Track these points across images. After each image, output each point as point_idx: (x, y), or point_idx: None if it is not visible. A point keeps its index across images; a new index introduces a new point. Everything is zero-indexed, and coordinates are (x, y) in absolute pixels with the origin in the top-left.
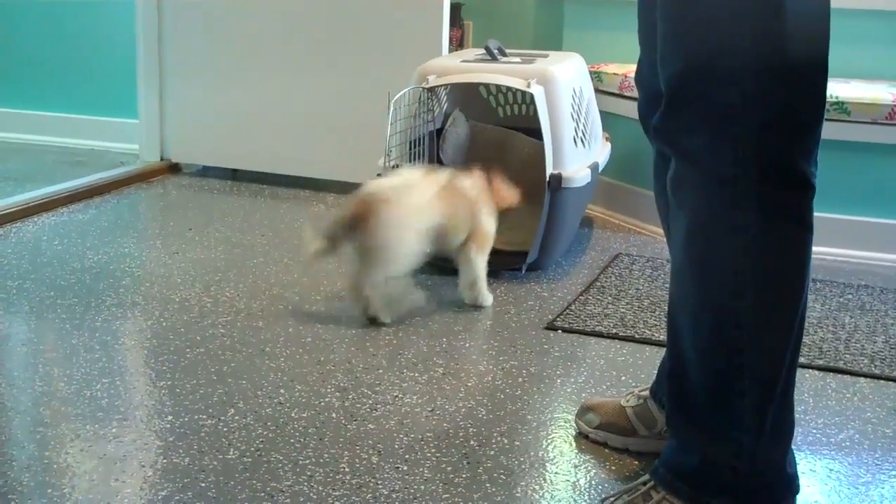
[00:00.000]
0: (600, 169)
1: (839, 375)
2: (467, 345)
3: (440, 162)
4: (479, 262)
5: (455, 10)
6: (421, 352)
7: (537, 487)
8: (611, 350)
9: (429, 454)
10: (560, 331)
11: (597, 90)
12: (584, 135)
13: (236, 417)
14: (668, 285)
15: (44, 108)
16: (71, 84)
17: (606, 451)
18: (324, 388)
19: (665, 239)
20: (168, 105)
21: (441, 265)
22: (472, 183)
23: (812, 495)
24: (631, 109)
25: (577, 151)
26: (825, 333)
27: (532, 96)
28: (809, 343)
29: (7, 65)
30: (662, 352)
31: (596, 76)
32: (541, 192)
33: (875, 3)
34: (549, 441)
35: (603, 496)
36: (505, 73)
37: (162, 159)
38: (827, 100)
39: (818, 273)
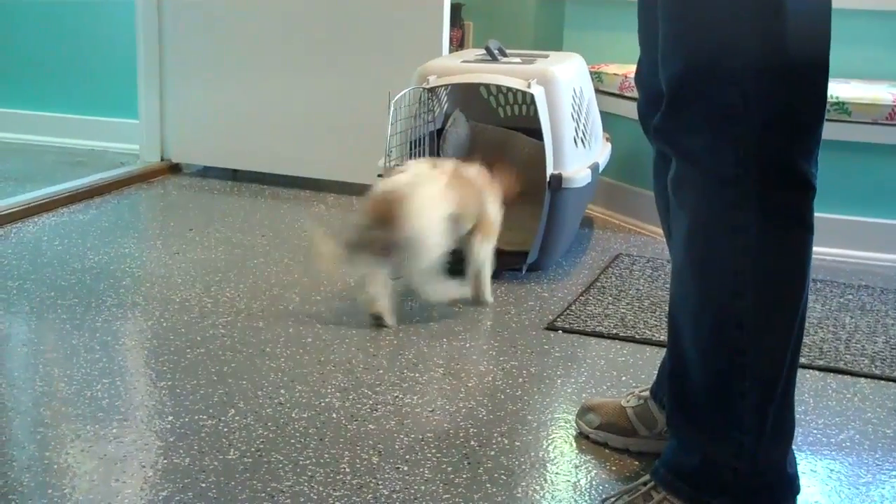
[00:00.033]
0: (601, 169)
1: (840, 376)
2: (468, 345)
3: None
4: (485, 250)
5: (455, 10)
6: (421, 352)
7: (538, 488)
8: (611, 350)
9: (429, 454)
10: (560, 331)
11: (597, 90)
12: (584, 135)
13: (237, 418)
14: (668, 286)
15: (44, 108)
16: (71, 84)
17: (607, 451)
18: (324, 388)
19: (665, 239)
20: (168, 105)
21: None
22: (476, 171)
23: (812, 496)
24: (631, 110)
25: (578, 152)
26: (826, 334)
27: (532, 97)
28: (810, 343)
29: (7, 65)
30: (663, 352)
31: (596, 76)
32: (541, 192)
33: (875, 4)
34: (549, 441)
35: (603, 496)
36: (505, 74)
37: (162, 159)
38: (828, 100)
39: (818, 273)
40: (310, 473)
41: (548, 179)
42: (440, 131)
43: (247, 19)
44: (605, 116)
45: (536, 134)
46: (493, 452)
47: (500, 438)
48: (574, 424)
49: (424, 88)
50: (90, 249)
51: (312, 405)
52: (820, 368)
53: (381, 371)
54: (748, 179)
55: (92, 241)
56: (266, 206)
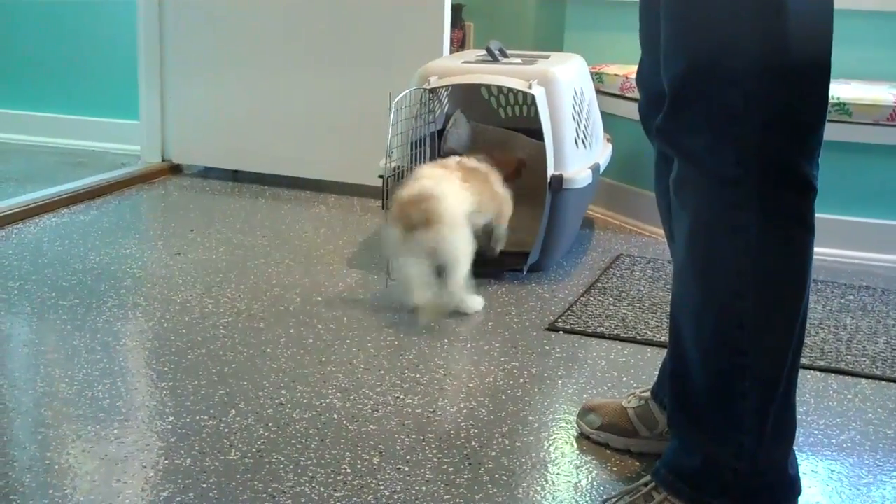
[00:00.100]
0: (601, 170)
1: (841, 376)
2: (468, 346)
3: None
4: (502, 227)
5: (456, 11)
6: (422, 353)
7: (539, 488)
8: (612, 351)
9: (430, 455)
10: (561, 332)
11: (598, 91)
12: (585, 136)
13: (238, 418)
14: (669, 286)
15: (45, 108)
16: (72, 85)
17: (608, 452)
18: (325, 388)
19: (666, 240)
20: (169, 106)
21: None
22: (478, 159)
23: (813, 496)
24: (632, 110)
25: (579, 152)
26: (827, 334)
27: (533, 97)
28: (811, 344)
29: (7, 65)
30: (663, 353)
31: (597, 77)
32: (542, 193)
33: (876, 4)
34: (550, 442)
35: (604, 497)
36: (506, 75)
37: (163, 160)
38: (829, 101)
39: (819, 274)
40: (311, 474)
41: (548, 180)
42: (441, 132)
43: (248, 20)
44: (606, 117)
45: (537, 135)
46: (494, 453)
47: (501, 439)
48: (575, 425)
49: (425, 89)
50: (91, 250)
51: (313, 406)
52: (821, 369)
53: (382, 371)
54: (749, 180)
55: (93, 242)
56: (267, 206)
